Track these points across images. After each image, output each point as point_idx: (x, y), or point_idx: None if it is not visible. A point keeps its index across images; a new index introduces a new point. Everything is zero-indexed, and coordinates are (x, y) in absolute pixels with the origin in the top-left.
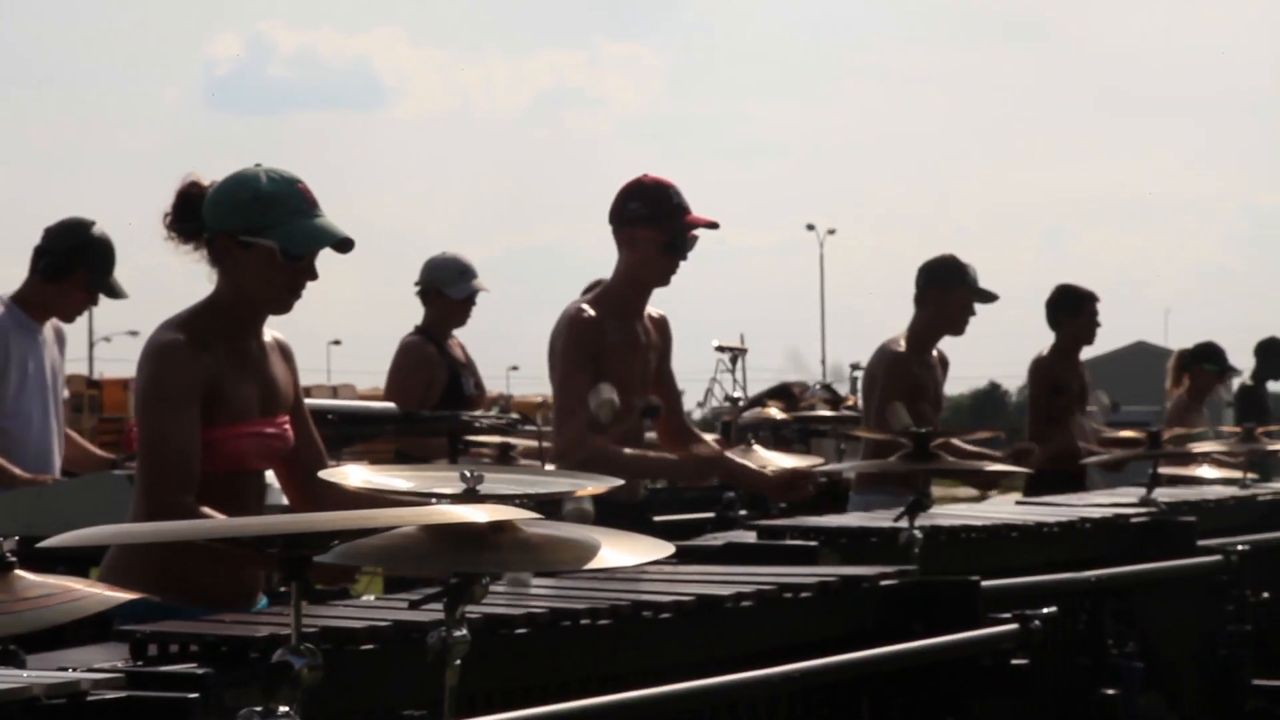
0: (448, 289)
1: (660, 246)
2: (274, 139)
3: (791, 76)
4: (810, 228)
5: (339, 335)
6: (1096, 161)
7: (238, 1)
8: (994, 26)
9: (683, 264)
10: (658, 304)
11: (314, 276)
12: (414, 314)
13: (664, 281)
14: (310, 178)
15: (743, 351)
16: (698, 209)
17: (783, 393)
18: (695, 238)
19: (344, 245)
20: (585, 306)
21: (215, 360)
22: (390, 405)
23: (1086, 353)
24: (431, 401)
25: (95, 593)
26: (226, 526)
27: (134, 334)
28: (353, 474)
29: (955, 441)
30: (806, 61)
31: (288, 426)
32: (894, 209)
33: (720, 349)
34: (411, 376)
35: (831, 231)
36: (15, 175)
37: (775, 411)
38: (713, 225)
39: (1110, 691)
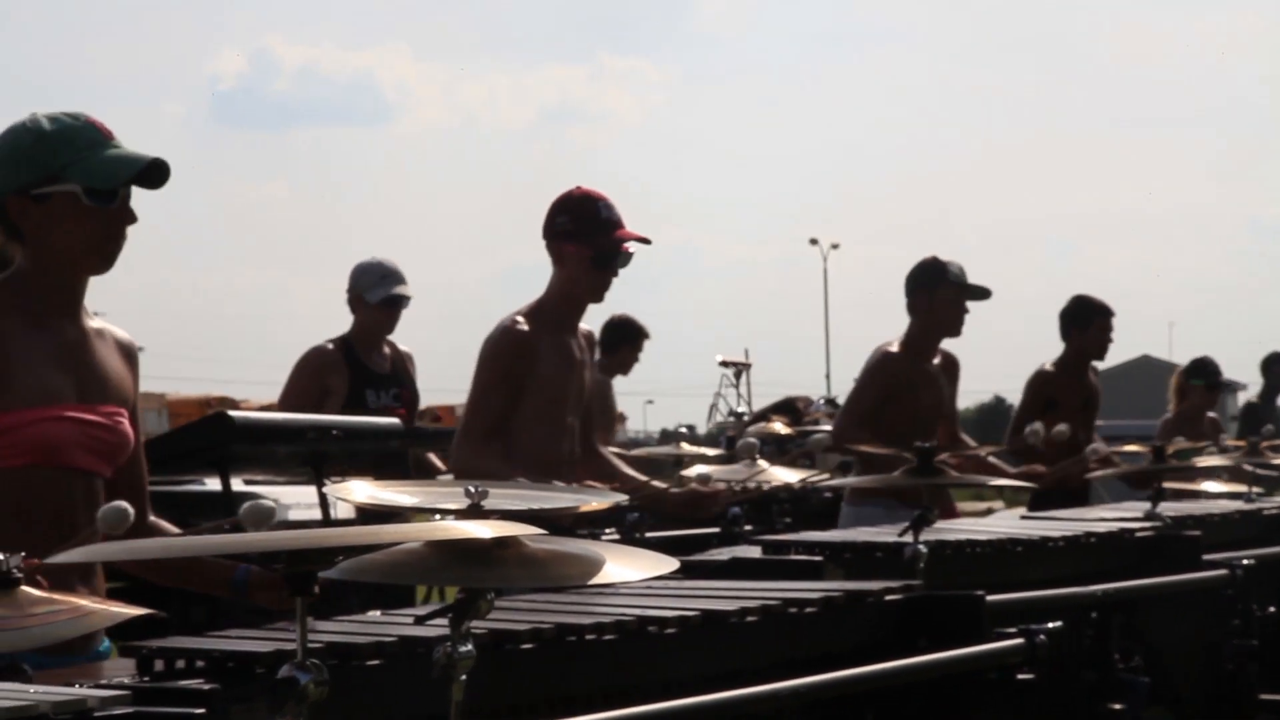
0: (367, 293)
1: (588, 261)
2: (278, 154)
3: (793, 91)
4: (814, 242)
5: None
6: (1099, 176)
7: (242, 17)
8: (998, 42)
9: (625, 278)
10: (664, 319)
11: (132, 219)
12: (408, 324)
13: (597, 297)
14: (314, 192)
15: (747, 366)
16: (698, 224)
17: (787, 407)
18: (629, 253)
19: (156, 173)
20: (519, 319)
21: (8, 334)
22: (394, 421)
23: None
24: (331, 411)
25: (102, 608)
26: (232, 543)
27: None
28: (357, 489)
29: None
30: (808, 76)
31: (122, 421)
32: (897, 223)
33: (724, 364)
34: (302, 384)
35: (835, 246)
36: None
37: (780, 426)
38: (644, 240)
39: (1116, 706)
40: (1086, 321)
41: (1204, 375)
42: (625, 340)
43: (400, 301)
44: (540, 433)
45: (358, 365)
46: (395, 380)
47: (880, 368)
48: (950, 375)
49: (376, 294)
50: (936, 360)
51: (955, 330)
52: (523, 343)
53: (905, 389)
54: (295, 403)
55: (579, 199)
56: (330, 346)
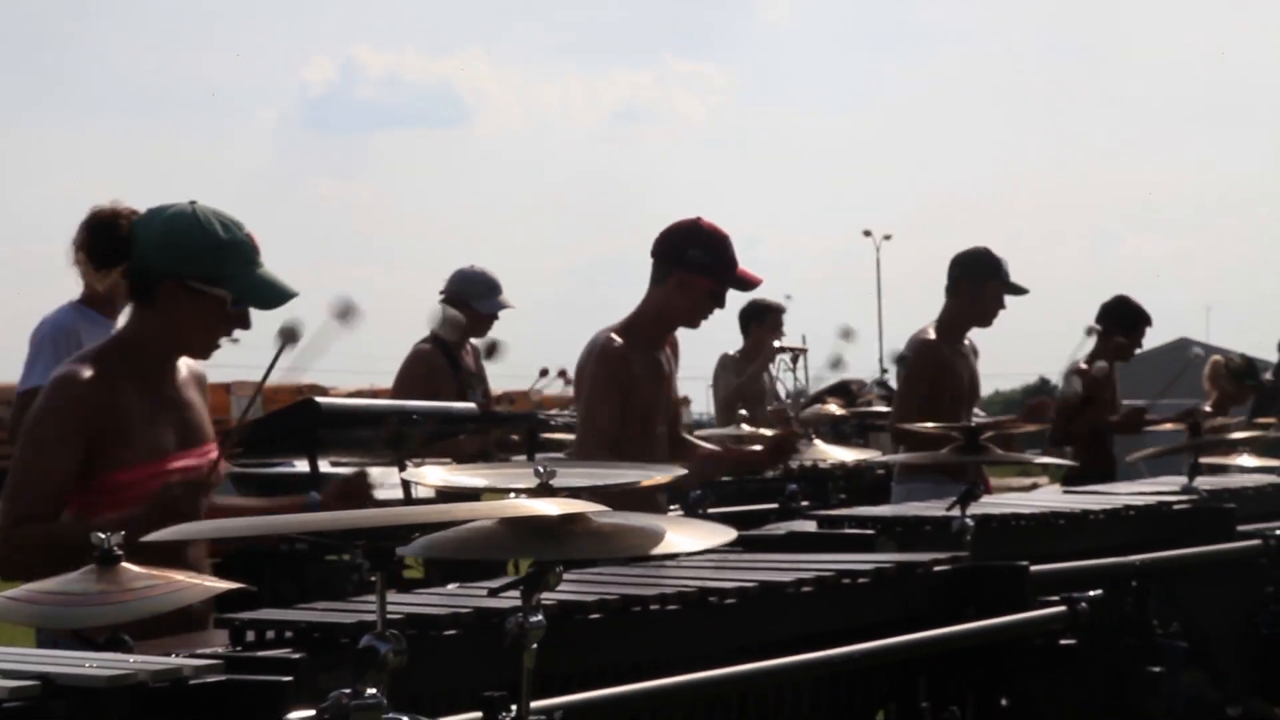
0: (476, 302)
1: (710, 295)
2: (362, 156)
3: (849, 90)
4: (867, 234)
5: None
6: (1142, 164)
7: (332, 28)
8: (1046, 41)
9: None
10: None
11: (248, 326)
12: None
13: (695, 325)
14: (396, 191)
15: (803, 351)
16: (756, 217)
17: (841, 390)
18: (748, 291)
19: (285, 302)
20: (614, 336)
21: (123, 398)
22: (470, 405)
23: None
24: None
25: (196, 583)
26: (319, 521)
27: (235, 340)
28: (430, 474)
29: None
30: (863, 75)
31: (212, 451)
32: (947, 215)
33: (781, 349)
34: (417, 385)
35: (888, 237)
36: (125, 191)
37: (834, 408)
38: (757, 283)
39: (1155, 670)
40: (1133, 327)
41: (1254, 378)
42: (753, 319)
43: (500, 312)
44: (638, 446)
45: (458, 367)
46: (480, 378)
47: (923, 358)
48: (974, 357)
49: (488, 305)
50: (966, 342)
51: (988, 322)
52: (622, 358)
53: (948, 372)
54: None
55: (712, 234)
56: (430, 348)
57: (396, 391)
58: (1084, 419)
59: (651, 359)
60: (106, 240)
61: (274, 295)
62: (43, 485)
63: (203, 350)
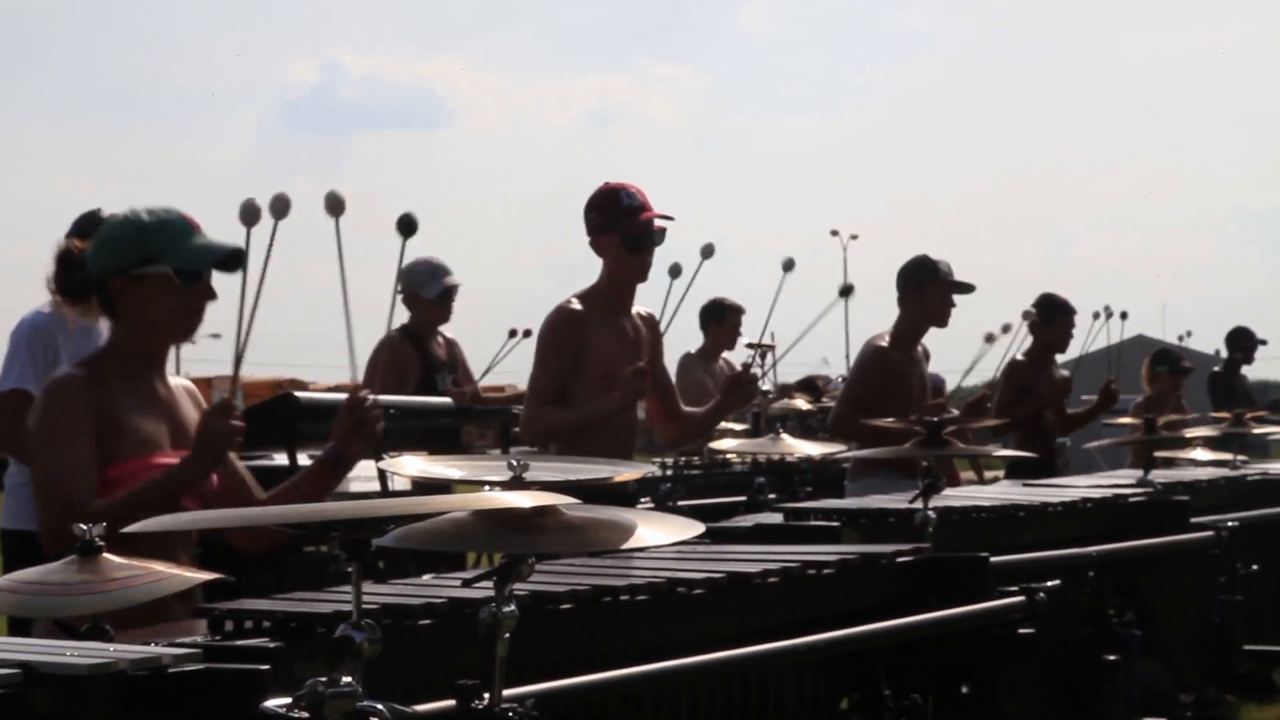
0: (422, 290)
1: (621, 248)
2: (344, 157)
3: (817, 92)
4: (834, 233)
5: None
6: (1100, 168)
7: (312, 31)
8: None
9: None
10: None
11: (213, 296)
12: (463, 314)
13: (641, 277)
14: (377, 192)
15: (771, 348)
16: (726, 217)
17: (808, 385)
18: (661, 230)
19: (235, 259)
20: (572, 300)
21: (114, 396)
22: (447, 400)
23: (1091, 348)
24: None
25: (176, 573)
26: (293, 512)
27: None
28: (408, 464)
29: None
30: (831, 80)
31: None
32: (912, 217)
33: (750, 345)
34: (383, 372)
35: (854, 237)
36: (106, 192)
37: (801, 403)
38: (666, 218)
39: (1111, 658)
40: (1051, 319)
41: (1168, 362)
42: (712, 319)
43: (452, 291)
44: (594, 398)
45: (426, 354)
46: (451, 366)
47: (874, 362)
48: (926, 361)
49: (431, 289)
50: (920, 348)
51: (943, 322)
52: (574, 319)
53: (897, 379)
54: (380, 390)
55: (603, 193)
56: (400, 336)
57: (365, 379)
58: (1024, 408)
59: (613, 321)
60: (69, 274)
61: (206, 253)
62: (82, 473)
63: (177, 333)
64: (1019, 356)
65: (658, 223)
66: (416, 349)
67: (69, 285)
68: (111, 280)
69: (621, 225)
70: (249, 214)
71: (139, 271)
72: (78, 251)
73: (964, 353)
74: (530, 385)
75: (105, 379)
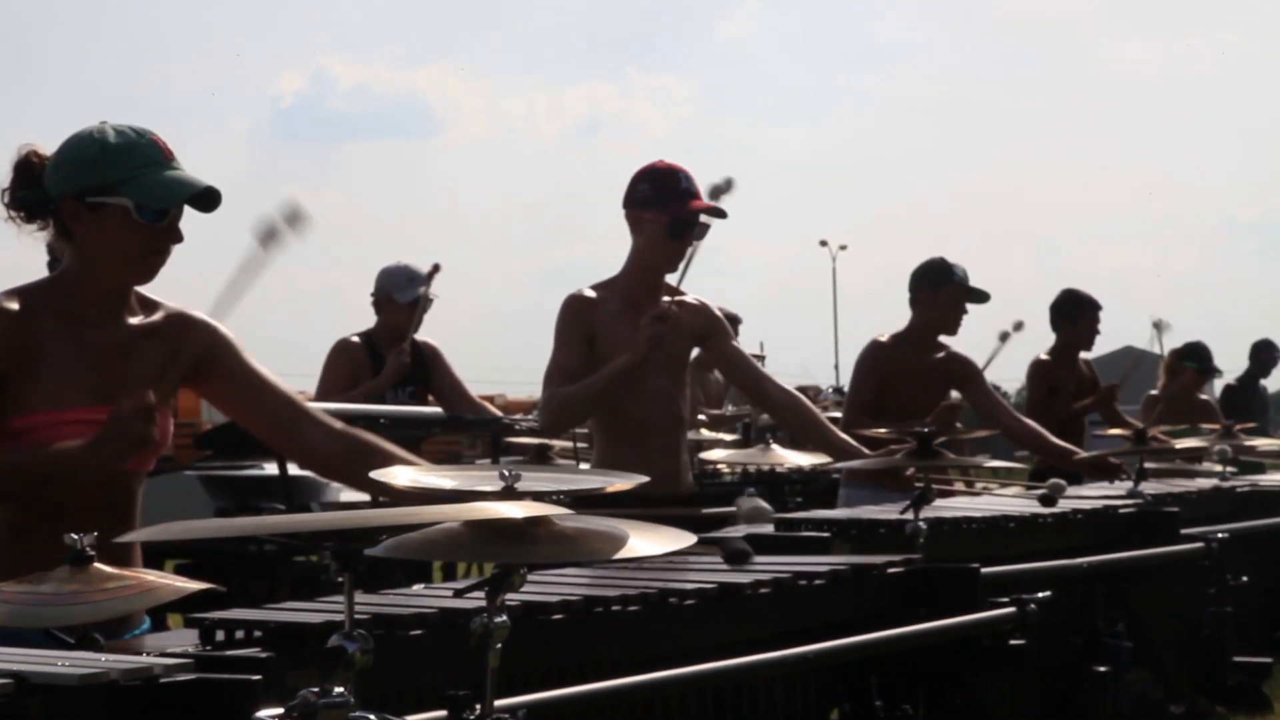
0: (396, 294)
1: (664, 229)
2: (333, 165)
3: (805, 102)
4: (823, 243)
5: None
6: (1090, 178)
7: (302, 40)
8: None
9: (704, 264)
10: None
11: (178, 238)
12: (451, 320)
13: (670, 266)
14: (367, 201)
15: (761, 359)
16: (716, 226)
17: None
18: (705, 225)
19: (208, 198)
20: (586, 288)
21: (40, 335)
22: (436, 410)
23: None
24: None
25: (167, 583)
26: (286, 523)
27: None
28: (400, 474)
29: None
30: (820, 88)
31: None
32: (901, 226)
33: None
34: (336, 375)
35: (843, 247)
36: None
37: None
38: (719, 213)
39: (1101, 669)
40: (1076, 315)
41: (1197, 359)
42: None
43: (425, 303)
44: (621, 395)
45: (380, 362)
46: (415, 377)
47: (870, 358)
48: (963, 376)
49: (405, 295)
50: (940, 355)
51: (953, 329)
52: (583, 303)
53: (902, 379)
54: (332, 390)
55: (661, 169)
56: (356, 340)
57: (319, 384)
58: (1056, 410)
59: (633, 312)
60: (25, 188)
61: (173, 191)
62: None
63: (131, 273)
64: (1043, 355)
65: (704, 217)
66: (371, 357)
67: (22, 201)
68: (66, 203)
69: (672, 206)
70: (268, 235)
71: (96, 200)
72: (38, 163)
73: (970, 354)
74: (547, 371)
75: (37, 313)
